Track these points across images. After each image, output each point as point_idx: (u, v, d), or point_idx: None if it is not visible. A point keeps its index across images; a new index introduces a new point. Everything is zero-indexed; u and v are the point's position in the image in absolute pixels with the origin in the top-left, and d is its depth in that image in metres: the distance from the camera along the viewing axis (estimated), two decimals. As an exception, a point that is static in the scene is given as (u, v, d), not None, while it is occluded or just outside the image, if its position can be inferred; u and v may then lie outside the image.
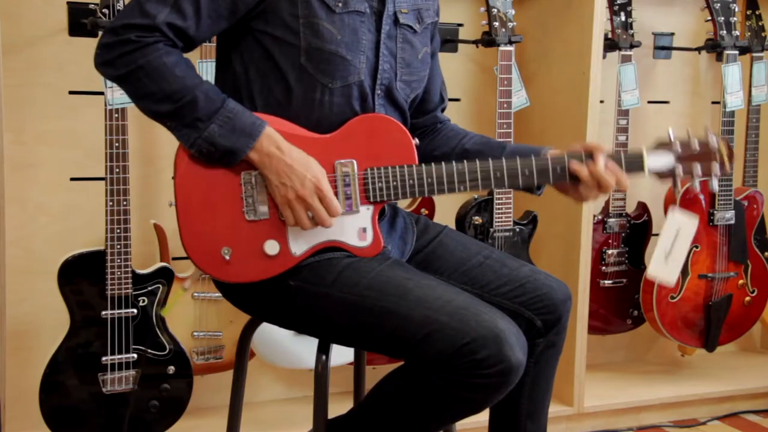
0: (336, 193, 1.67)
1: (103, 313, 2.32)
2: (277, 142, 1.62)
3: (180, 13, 1.61)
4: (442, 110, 1.98)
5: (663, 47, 3.16)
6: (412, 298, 1.57)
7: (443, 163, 1.71)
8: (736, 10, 2.93)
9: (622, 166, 1.74)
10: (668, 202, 2.93)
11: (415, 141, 1.73)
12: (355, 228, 1.70)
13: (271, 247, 1.65)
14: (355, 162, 1.68)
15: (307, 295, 1.65)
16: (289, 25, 1.65)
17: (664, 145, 1.76)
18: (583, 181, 1.72)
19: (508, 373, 1.52)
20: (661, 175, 1.76)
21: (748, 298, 3.06)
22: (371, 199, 1.70)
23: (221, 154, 1.61)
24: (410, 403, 1.59)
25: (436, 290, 1.59)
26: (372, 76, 1.73)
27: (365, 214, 1.70)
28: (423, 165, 1.70)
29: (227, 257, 1.65)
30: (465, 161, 1.71)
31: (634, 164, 1.75)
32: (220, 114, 1.60)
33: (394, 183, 1.70)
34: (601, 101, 2.78)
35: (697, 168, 1.76)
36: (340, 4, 1.67)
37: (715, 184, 1.78)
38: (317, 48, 1.66)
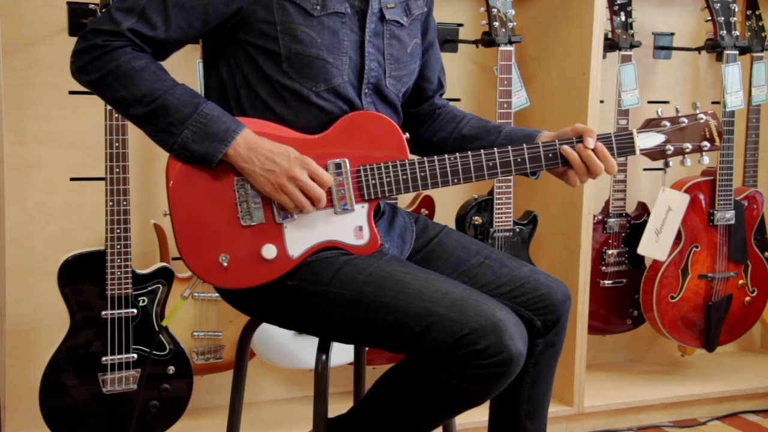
0: (329, 193, 1.68)
1: (103, 313, 2.32)
2: (252, 139, 1.62)
3: (147, 23, 1.62)
4: (441, 95, 1.98)
5: (663, 47, 3.16)
6: (411, 291, 1.58)
7: (435, 157, 1.71)
8: (736, 10, 2.93)
9: (614, 148, 1.74)
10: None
11: (406, 135, 1.73)
12: (351, 227, 1.70)
13: (269, 251, 1.65)
14: (347, 161, 1.68)
15: (305, 293, 1.66)
16: (268, 33, 1.65)
17: (653, 125, 1.77)
18: (574, 165, 1.73)
19: (508, 363, 1.52)
20: (652, 154, 1.77)
21: (748, 298, 3.06)
22: (366, 197, 1.70)
23: (197, 159, 1.62)
24: (411, 397, 1.59)
25: (435, 283, 1.60)
26: (358, 76, 1.73)
27: (360, 212, 1.70)
28: (415, 160, 1.71)
29: (225, 264, 1.65)
30: (457, 153, 1.71)
31: (625, 146, 1.75)
32: (193, 119, 1.60)
33: (388, 179, 1.70)
34: (601, 101, 2.78)
35: (687, 145, 1.77)
36: (318, 7, 1.66)
37: (705, 160, 1.79)
38: (298, 53, 1.66)
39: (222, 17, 1.65)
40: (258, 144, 1.62)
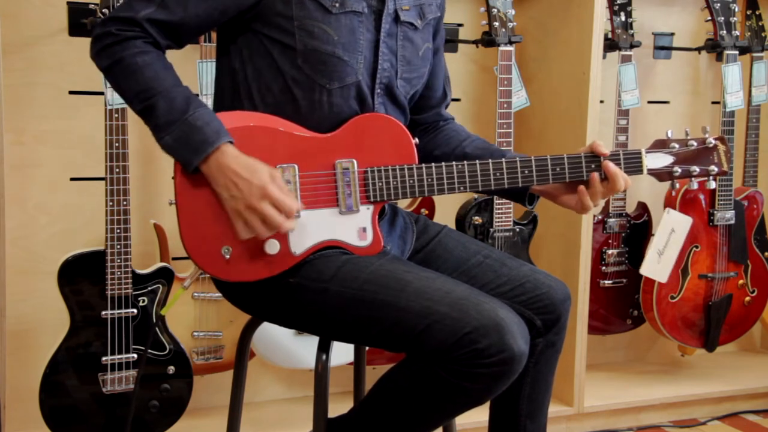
0: (335, 193, 1.68)
1: (103, 313, 2.32)
2: (226, 155, 1.59)
3: (166, 10, 1.63)
4: (446, 107, 1.98)
5: (663, 47, 3.16)
6: (412, 290, 1.57)
7: (443, 163, 1.71)
8: (736, 10, 2.93)
9: (621, 166, 1.74)
10: (668, 201, 2.93)
11: (415, 140, 1.73)
12: (355, 227, 1.70)
13: (271, 246, 1.65)
14: (355, 161, 1.69)
15: (306, 291, 1.66)
16: (284, 28, 1.66)
17: (662, 146, 1.77)
18: (590, 181, 1.72)
19: (510, 362, 1.52)
20: (659, 175, 1.77)
21: (748, 298, 3.06)
22: (371, 199, 1.70)
23: (179, 162, 1.63)
24: (412, 396, 1.59)
25: (436, 282, 1.60)
26: (371, 75, 1.73)
27: (365, 213, 1.70)
28: (423, 165, 1.71)
29: (227, 256, 1.65)
30: (465, 161, 1.72)
31: (633, 165, 1.75)
32: (176, 127, 1.60)
33: (394, 183, 1.70)
34: (601, 101, 2.78)
35: (695, 168, 1.77)
36: (337, 5, 1.67)
37: (712, 184, 1.79)
38: (314, 49, 1.66)
39: (240, 8, 1.66)
40: (228, 165, 1.59)
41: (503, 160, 1.72)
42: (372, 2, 1.71)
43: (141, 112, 1.63)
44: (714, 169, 1.78)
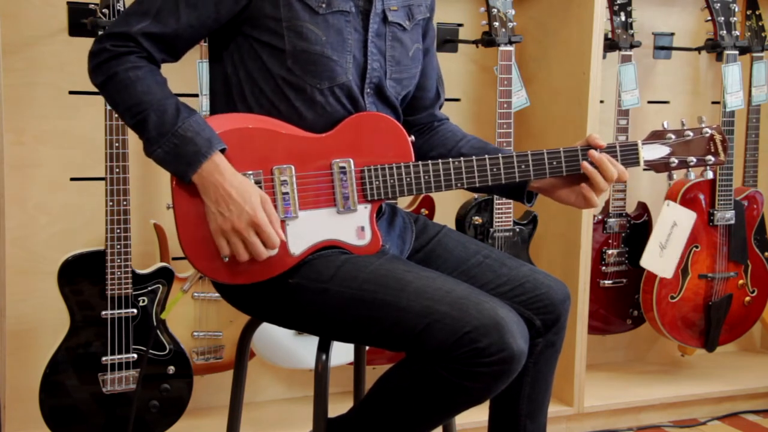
0: (332, 193, 1.68)
1: (103, 313, 2.32)
2: (221, 170, 1.60)
3: (160, 23, 1.64)
4: (440, 107, 1.98)
5: (663, 47, 3.16)
6: (412, 289, 1.58)
7: (440, 160, 1.71)
8: (736, 10, 2.93)
9: (618, 158, 1.74)
10: (669, 198, 2.93)
11: (411, 138, 1.73)
12: (353, 227, 1.70)
13: (270, 247, 1.65)
14: (352, 161, 1.69)
15: (306, 291, 1.66)
16: (274, 30, 1.66)
17: (658, 137, 1.77)
18: (587, 173, 1.72)
19: (510, 361, 1.53)
20: (656, 166, 1.77)
21: (748, 298, 3.06)
22: (369, 198, 1.70)
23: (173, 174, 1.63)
24: (412, 396, 1.59)
25: (436, 281, 1.60)
26: (360, 75, 1.73)
27: (363, 212, 1.70)
28: (419, 162, 1.71)
29: (226, 259, 1.65)
30: (461, 158, 1.72)
31: (630, 156, 1.75)
32: (167, 140, 1.61)
33: (392, 181, 1.70)
34: (601, 101, 2.78)
35: (692, 158, 1.77)
36: (324, 5, 1.67)
37: (709, 174, 1.79)
38: (303, 50, 1.66)
39: (231, 14, 1.66)
40: (222, 183, 1.60)
41: (499, 155, 1.72)
42: (359, 2, 1.72)
43: (134, 127, 1.64)
44: (711, 158, 1.78)
